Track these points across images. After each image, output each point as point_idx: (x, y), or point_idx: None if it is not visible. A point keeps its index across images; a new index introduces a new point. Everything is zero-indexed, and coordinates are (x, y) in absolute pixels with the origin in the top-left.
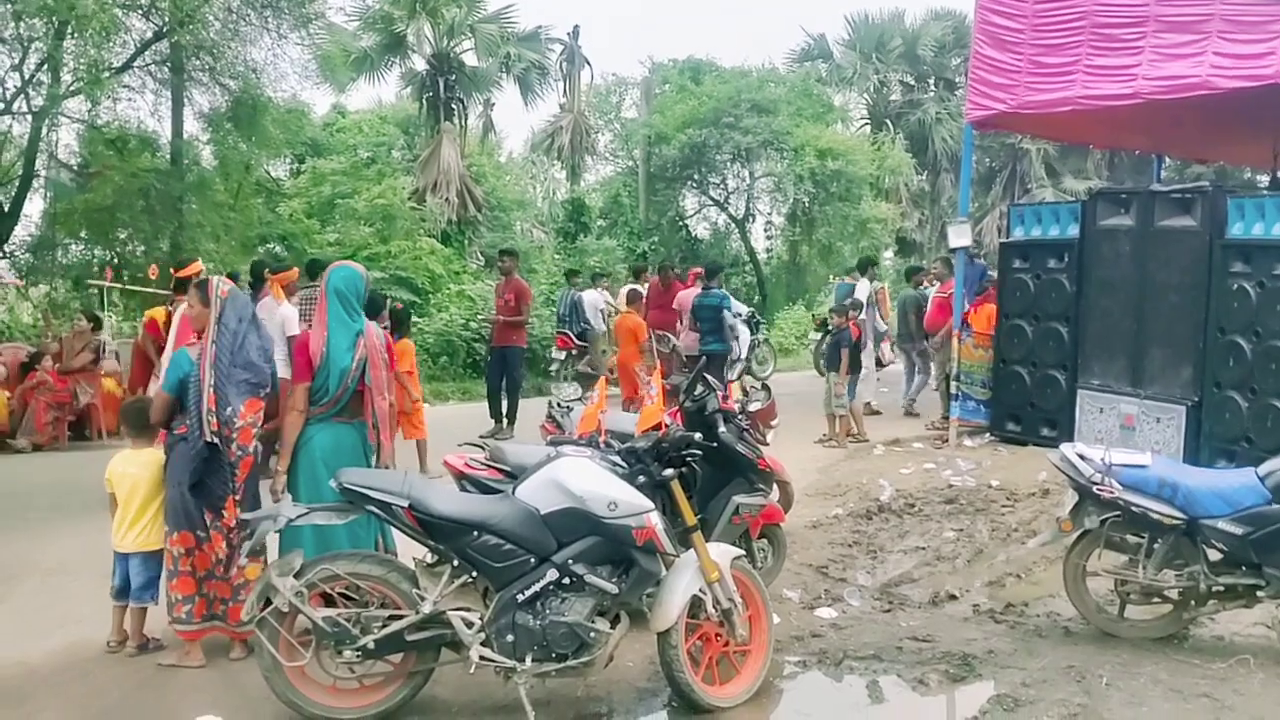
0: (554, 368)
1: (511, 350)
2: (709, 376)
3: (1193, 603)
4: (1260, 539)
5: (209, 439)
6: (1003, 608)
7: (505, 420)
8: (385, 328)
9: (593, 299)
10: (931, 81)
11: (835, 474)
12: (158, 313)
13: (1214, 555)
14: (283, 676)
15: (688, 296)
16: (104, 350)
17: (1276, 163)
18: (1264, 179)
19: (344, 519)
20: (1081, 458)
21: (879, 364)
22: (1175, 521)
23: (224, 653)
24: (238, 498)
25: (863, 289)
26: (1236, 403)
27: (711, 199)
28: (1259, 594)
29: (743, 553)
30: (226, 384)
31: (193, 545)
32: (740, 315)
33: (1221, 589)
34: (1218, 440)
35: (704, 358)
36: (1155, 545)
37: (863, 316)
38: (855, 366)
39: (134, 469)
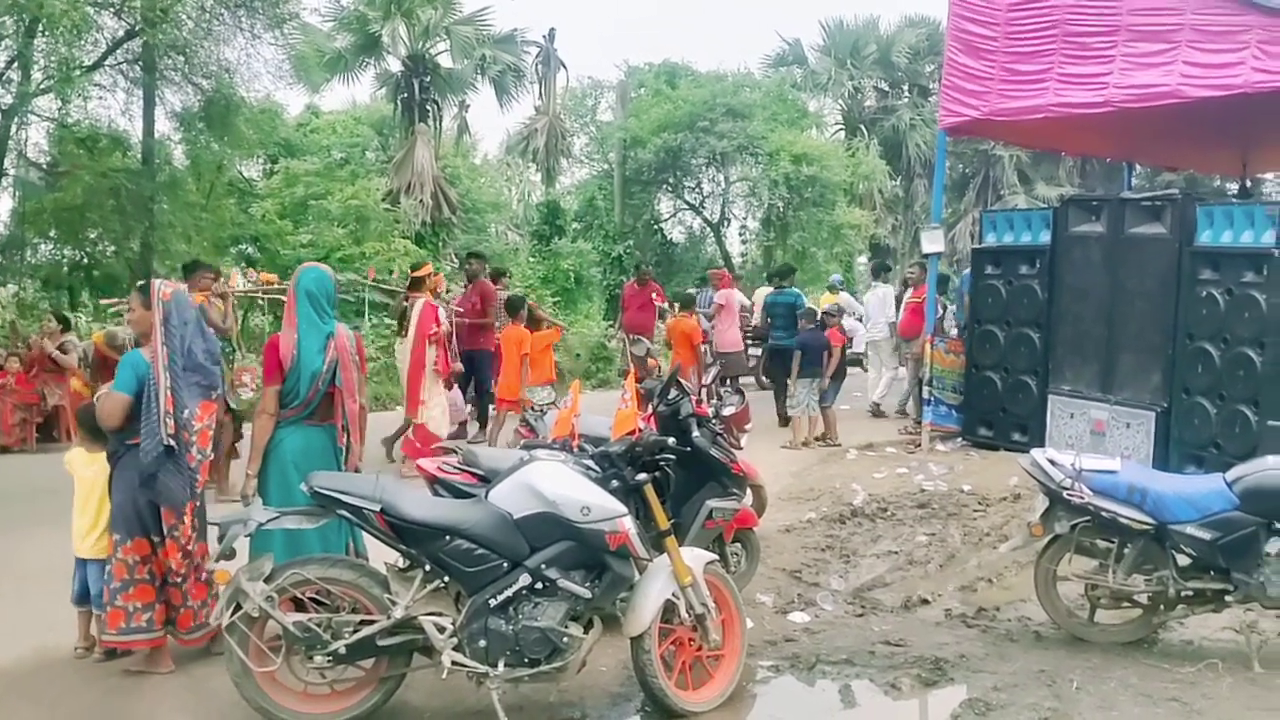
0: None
1: (479, 354)
2: (682, 381)
3: (1162, 607)
4: (1228, 544)
5: (168, 442)
6: (974, 612)
7: (477, 424)
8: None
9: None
10: (905, 88)
11: (808, 478)
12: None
13: (1183, 560)
14: (253, 682)
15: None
16: (78, 351)
17: (1245, 171)
18: (1233, 187)
19: (315, 523)
20: (1052, 463)
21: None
22: (1144, 527)
23: (192, 659)
24: (199, 504)
25: (878, 294)
26: (1205, 409)
27: (687, 203)
28: (1227, 599)
29: (716, 557)
30: (181, 386)
31: (149, 552)
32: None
33: (1190, 594)
34: (1187, 446)
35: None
36: (1125, 550)
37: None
38: (834, 373)
39: (89, 472)
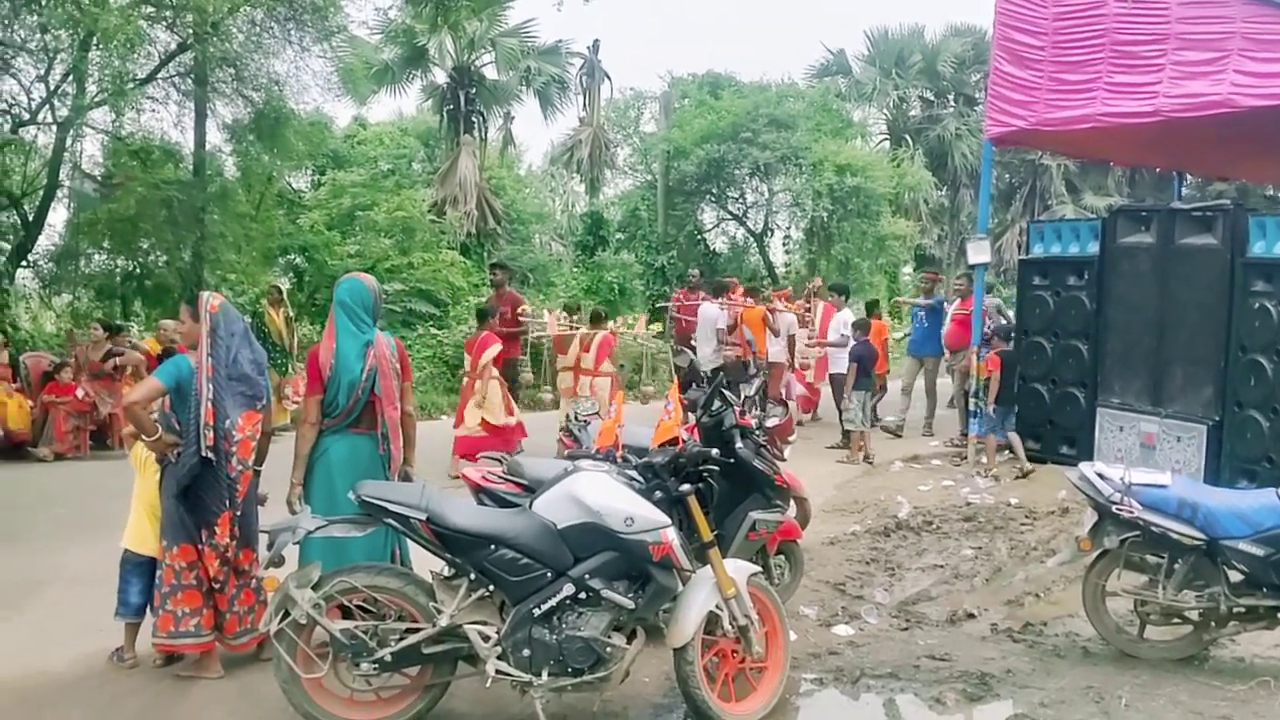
0: None
1: (507, 362)
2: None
3: (1213, 624)
4: None
5: (205, 453)
6: (1021, 627)
7: None
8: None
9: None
10: (951, 97)
11: (853, 490)
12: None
13: (1234, 576)
14: (300, 688)
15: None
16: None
17: None
18: None
19: (362, 531)
20: (1101, 476)
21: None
22: (1195, 542)
23: (241, 664)
24: (238, 514)
25: (846, 316)
26: (1258, 422)
27: (730, 213)
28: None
29: (759, 569)
30: (224, 396)
31: (195, 558)
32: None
33: (1242, 610)
34: (1239, 460)
35: None
36: (1175, 566)
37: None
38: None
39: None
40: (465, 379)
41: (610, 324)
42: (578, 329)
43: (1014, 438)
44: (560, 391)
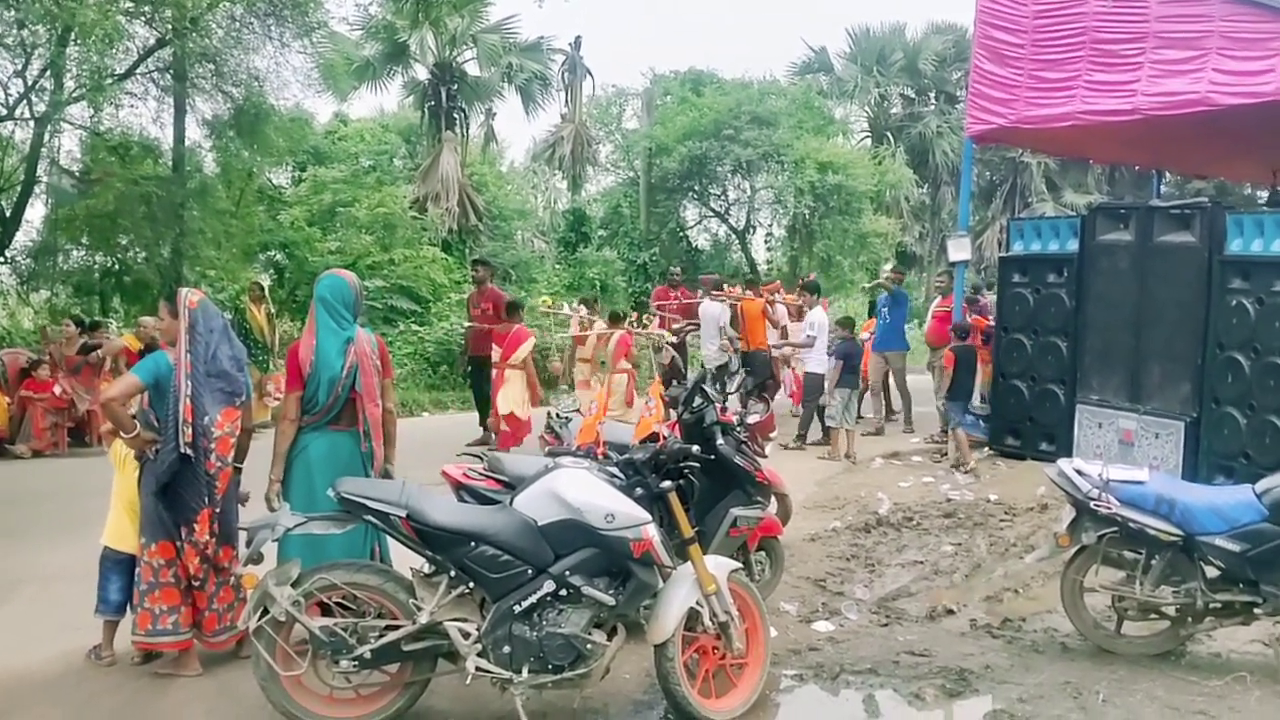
0: None
1: (487, 359)
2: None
3: (1190, 620)
4: (1257, 556)
5: (184, 450)
6: (1000, 623)
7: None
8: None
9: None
10: (932, 95)
11: (833, 487)
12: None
13: (1211, 572)
14: (279, 686)
15: None
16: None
17: (1275, 179)
18: (1263, 195)
19: (342, 528)
20: (1079, 473)
21: None
22: (1172, 538)
23: (219, 662)
24: (217, 510)
25: (815, 316)
26: (1235, 419)
27: (712, 210)
28: (1256, 611)
29: (740, 565)
30: (203, 393)
31: (173, 555)
32: None
33: (1218, 606)
34: (1216, 456)
35: None
36: (1153, 562)
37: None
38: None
39: (126, 465)
40: (495, 371)
41: (627, 323)
42: (595, 320)
43: (961, 433)
44: (577, 384)
